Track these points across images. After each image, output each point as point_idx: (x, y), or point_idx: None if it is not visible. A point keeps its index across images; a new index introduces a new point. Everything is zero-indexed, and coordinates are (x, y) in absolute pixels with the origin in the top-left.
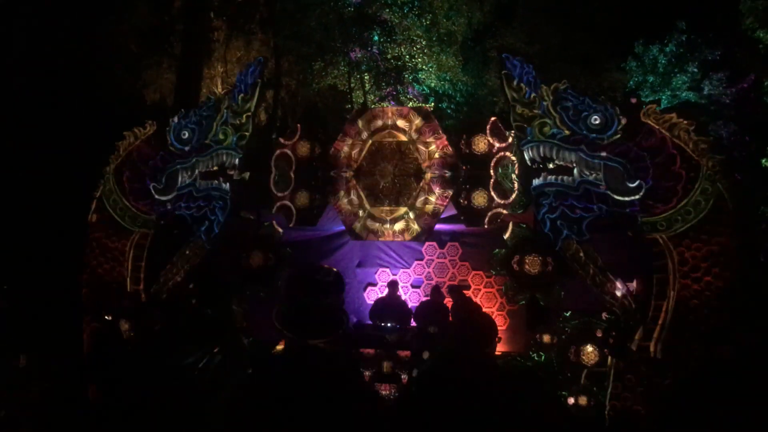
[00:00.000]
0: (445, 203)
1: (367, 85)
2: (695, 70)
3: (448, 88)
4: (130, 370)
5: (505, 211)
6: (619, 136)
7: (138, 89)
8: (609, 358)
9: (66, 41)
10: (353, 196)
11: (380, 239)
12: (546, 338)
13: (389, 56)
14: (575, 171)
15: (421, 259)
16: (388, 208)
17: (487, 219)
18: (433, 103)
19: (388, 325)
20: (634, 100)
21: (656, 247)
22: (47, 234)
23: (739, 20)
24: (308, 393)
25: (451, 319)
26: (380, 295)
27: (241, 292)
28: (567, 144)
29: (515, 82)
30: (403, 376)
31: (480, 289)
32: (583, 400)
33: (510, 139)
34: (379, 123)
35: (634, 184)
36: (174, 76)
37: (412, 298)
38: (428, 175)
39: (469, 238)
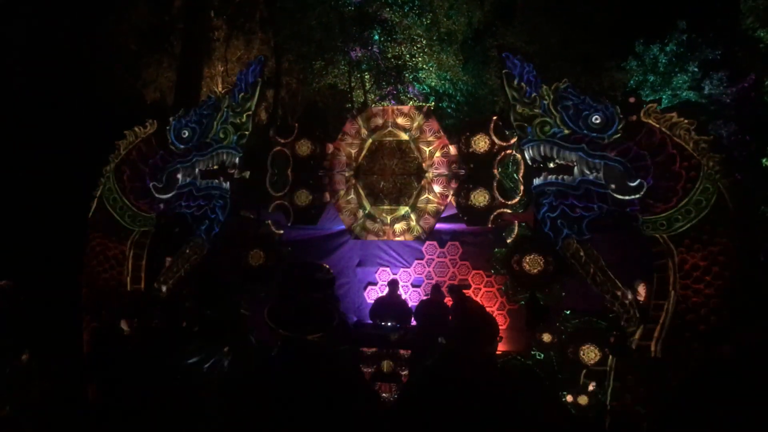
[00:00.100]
0: (445, 203)
1: (367, 84)
2: (696, 69)
3: (449, 88)
4: (130, 369)
5: (509, 211)
6: (619, 135)
7: (138, 88)
8: (609, 358)
9: (66, 41)
10: (353, 196)
11: (381, 239)
12: (546, 337)
13: (389, 55)
14: (575, 170)
15: (422, 259)
16: (388, 207)
17: (491, 219)
18: (433, 103)
19: (389, 324)
20: (632, 100)
21: (657, 246)
22: (47, 233)
23: (739, 20)
24: (307, 392)
25: (450, 318)
26: (380, 295)
27: (242, 291)
28: (567, 143)
29: (516, 81)
30: (403, 375)
31: (480, 289)
32: (583, 400)
33: (514, 139)
34: (380, 122)
35: (634, 184)
36: (174, 75)
37: (412, 297)
38: (429, 175)
39: (469, 237)
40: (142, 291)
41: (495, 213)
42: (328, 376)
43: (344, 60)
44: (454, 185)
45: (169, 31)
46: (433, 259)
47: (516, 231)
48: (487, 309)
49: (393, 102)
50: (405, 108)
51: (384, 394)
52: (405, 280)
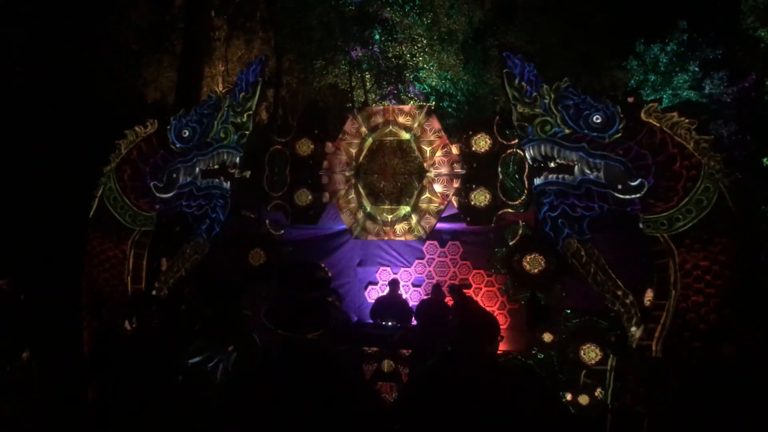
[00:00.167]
0: (446, 202)
1: (367, 83)
2: (696, 69)
3: (449, 87)
4: (130, 369)
5: (511, 211)
6: (620, 134)
7: (139, 88)
8: (610, 357)
9: (66, 40)
10: (353, 195)
11: (382, 239)
12: (547, 337)
13: (390, 55)
14: (576, 170)
15: (422, 258)
16: (389, 207)
17: (495, 218)
18: (434, 102)
19: (389, 323)
20: (631, 99)
21: (657, 245)
22: (48, 233)
23: (740, 19)
24: (308, 392)
25: (451, 318)
26: (381, 294)
27: (244, 291)
28: (568, 142)
29: (516, 81)
30: (403, 375)
31: (481, 288)
32: (583, 400)
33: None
34: (380, 121)
35: (635, 183)
36: (175, 74)
37: (413, 296)
38: (430, 174)
39: (470, 236)
40: (143, 291)
41: (497, 213)
42: (328, 375)
43: (345, 59)
44: (455, 185)
45: (170, 30)
46: (434, 259)
47: (521, 232)
48: (488, 309)
49: (394, 102)
50: (406, 107)
51: (384, 394)
52: (405, 280)
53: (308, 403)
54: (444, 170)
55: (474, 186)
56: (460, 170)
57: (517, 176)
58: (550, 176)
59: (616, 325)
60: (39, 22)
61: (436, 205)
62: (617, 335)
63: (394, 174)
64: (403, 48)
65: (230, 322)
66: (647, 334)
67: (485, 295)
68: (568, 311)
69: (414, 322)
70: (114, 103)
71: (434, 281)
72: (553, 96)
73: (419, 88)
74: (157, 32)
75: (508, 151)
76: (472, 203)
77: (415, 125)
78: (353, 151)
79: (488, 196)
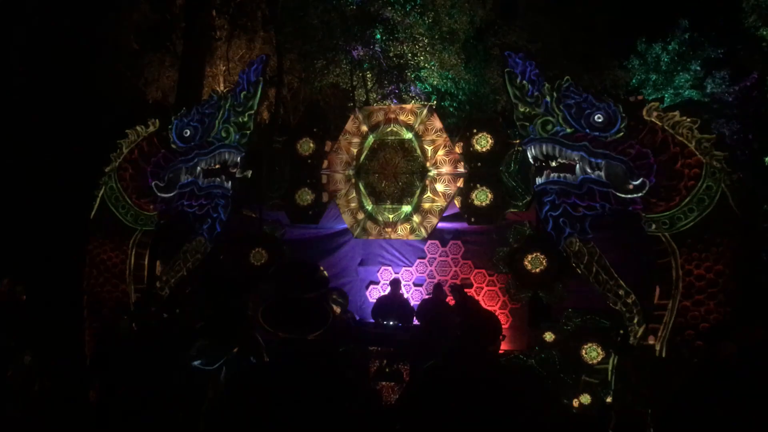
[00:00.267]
0: (448, 201)
1: (369, 83)
2: (698, 68)
3: (451, 87)
4: (130, 369)
5: (514, 210)
6: (622, 134)
7: (140, 87)
8: (612, 357)
9: (67, 40)
10: (354, 195)
11: (383, 238)
12: (548, 336)
13: (391, 54)
14: (578, 169)
15: (424, 258)
16: (390, 206)
17: (498, 218)
18: (435, 102)
19: (391, 323)
20: (639, 98)
21: (659, 245)
22: (49, 233)
23: (742, 18)
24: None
25: (453, 317)
26: (383, 294)
27: (247, 292)
28: (570, 141)
29: (518, 80)
30: (405, 374)
31: (482, 287)
32: (585, 399)
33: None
34: (381, 120)
35: (637, 182)
36: (176, 73)
37: (414, 296)
38: (432, 173)
39: (471, 236)
40: (144, 291)
41: (500, 212)
42: (329, 375)
43: (346, 59)
44: (456, 184)
45: (171, 30)
46: (435, 258)
47: (527, 233)
48: (490, 308)
49: (395, 101)
50: (408, 106)
51: (386, 394)
52: (407, 279)
53: (308, 404)
54: (445, 169)
55: (476, 185)
56: (461, 169)
57: (519, 175)
58: (552, 175)
59: (618, 324)
60: (39, 21)
61: (438, 204)
62: (619, 335)
63: (395, 173)
64: (405, 47)
65: (233, 322)
66: (649, 333)
67: (487, 294)
68: (570, 310)
69: (415, 321)
70: (115, 102)
71: (436, 281)
72: (554, 95)
73: (420, 87)
74: (159, 32)
75: (511, 150)
76: (474, 202)
77: (417, 124)
78: (354, 150)
79: (490, 195)
